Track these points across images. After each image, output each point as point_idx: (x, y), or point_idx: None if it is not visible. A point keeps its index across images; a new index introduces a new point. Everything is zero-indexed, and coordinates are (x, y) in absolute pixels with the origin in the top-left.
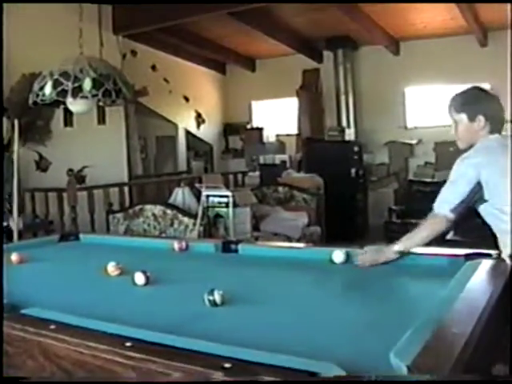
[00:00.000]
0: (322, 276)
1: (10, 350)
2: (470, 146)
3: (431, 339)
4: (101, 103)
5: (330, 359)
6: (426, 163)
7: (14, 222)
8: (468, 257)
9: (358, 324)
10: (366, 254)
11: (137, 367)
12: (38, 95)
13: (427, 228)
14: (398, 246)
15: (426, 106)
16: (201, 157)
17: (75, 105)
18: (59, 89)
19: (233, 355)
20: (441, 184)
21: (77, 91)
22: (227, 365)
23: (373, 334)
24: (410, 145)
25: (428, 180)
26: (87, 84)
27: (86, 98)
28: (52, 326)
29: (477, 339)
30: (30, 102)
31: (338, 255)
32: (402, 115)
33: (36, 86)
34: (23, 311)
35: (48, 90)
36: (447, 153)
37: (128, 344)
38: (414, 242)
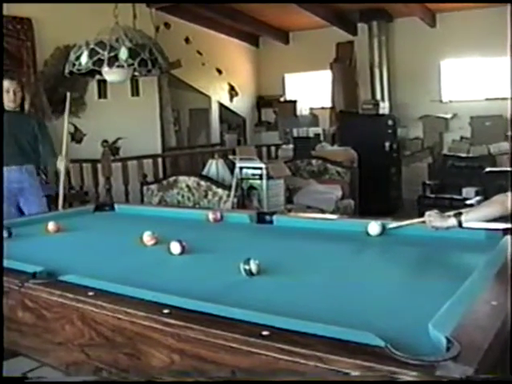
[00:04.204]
0: (357, 247)
1: (48, 315)
2: None
3: (470, 311)
4: (136, 73)
5: (367, 329)
6: (462, 138)
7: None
8: (506, 231)
9: (395, 295)
10: (432, 217)
11: (175, 334)
12: (74, 65)
13: (494, 204)
14: (462, 216)
15: (462, 80)
16: (234, 129)
17: (111, 74)
18: (95, 58)
19: (270, 323)
20: (476, 159)
21: (113, 60)
22: (265, 332)
23: (410, 305)
24: (445, 119)
25: (463, 155)
26: (123, 53)
27: (122, 67)
28: (90, 293)
29: None
30: (66, 71)
31: (374, 227)
32: (437, 89)
33: (72, 56)
34: (61, 278)
35: (84, 59)
36: (483, 127)
37: (166, 311)
38: (475, 215)
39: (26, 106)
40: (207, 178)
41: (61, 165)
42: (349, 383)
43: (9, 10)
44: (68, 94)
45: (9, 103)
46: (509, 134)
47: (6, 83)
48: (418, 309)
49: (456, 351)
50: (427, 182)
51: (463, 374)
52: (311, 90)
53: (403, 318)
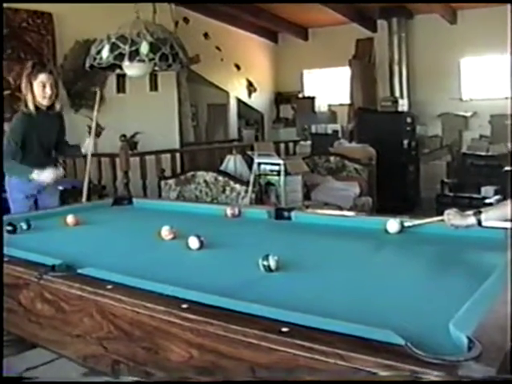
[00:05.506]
0: (376, 245)
1: (66, 307)
2: None
3: (491, 311)
4: (157, 67)
5: (386, 327)
6: (481, 136)
7: None
8: None
9: (415, 293)
10: (451, 216)
11: (194, 329)
12: (95, 59)
13: None
14: (482, 215)
15: (483, 78)
16: (252, 125)
17: (132, 68)
18: (116, 52)
19: (290, 320)
20: (496, 158)
21: (134, 55)
22: (285, 329)
23: (430, 303)
24: (465, 117)
25: (482, 153)
26: (144, 48)
27: (143, 61)
28: (109, 286)
29: None
30: (87, 65)
31: (393, 225)
32: (456, 86)
33: (93, 50)
34: (80, 271)
35: (105, 53)
36: (503, 126)
37: (184, 306)
38: (495, 214)
39: (58, 106)
40: (225, 174)
41: (89, 144)
42: (371, 383)
43: (30, 4)
44: (98, 91)
45: (43, 100)
46: None
47: (44, 77)
48: (438, 307)
49: (478, 351)
50: (446, 180)
51: (485, 374)
52: (330, 86)
53: (423, 317)
